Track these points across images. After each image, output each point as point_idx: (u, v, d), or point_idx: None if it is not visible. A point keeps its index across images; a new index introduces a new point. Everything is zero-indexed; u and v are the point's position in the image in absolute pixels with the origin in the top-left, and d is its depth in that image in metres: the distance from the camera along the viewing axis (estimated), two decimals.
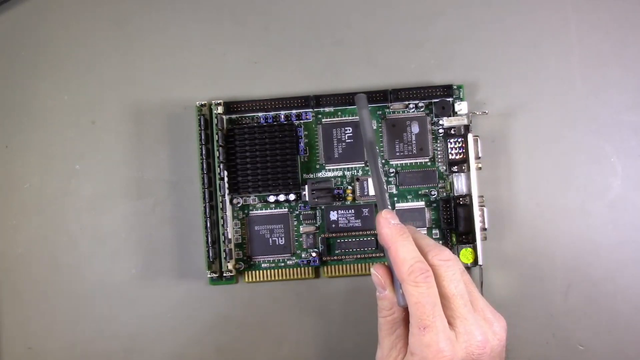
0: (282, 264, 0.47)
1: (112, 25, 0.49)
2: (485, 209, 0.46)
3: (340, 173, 0.48)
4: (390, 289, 0.38)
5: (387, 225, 0.38)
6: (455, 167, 0.47)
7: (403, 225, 0.38)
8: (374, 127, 0.47)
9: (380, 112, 0.48)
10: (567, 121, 0.47)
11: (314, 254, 0.47)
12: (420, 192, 0.47)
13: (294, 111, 0.48)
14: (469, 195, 0.46)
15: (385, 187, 0.42)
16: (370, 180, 0.47)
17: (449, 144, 0.46)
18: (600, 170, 0.47)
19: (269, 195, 0.47)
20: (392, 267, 0.38)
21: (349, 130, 0.47)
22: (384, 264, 0.39)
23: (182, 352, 0.48)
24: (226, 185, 0.46)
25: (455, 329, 0.36)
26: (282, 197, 0.47)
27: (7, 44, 0.50)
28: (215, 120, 0.46)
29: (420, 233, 0.40)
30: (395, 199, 0.47)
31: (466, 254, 0.46)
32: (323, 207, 0.47)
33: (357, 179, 0.47)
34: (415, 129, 0.47)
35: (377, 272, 0.38)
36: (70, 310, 0.48)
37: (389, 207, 0.40)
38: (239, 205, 0.48)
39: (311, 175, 0.48)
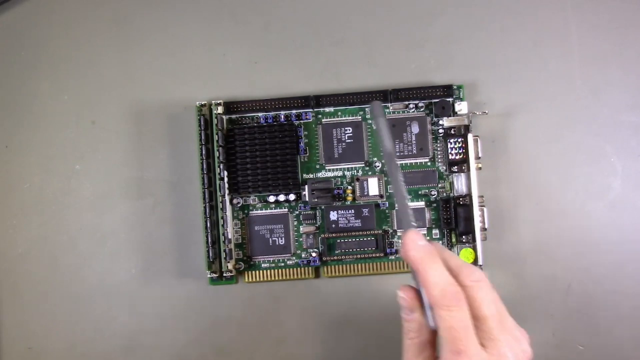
0: (282, 264, 0.47)
1: (112, 26, 0.49)
2: (485, 209, 0.46)
3: (340, 173, 0.48)
4: (419, 312, 0.37)
5: (415, 247, 0.37)
6: (455, 167, 0.47)
7: (431, 245, 0.37)
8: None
9: None
10: (567, 121, 0.47)
11: (314, 254, 0.47)
12: (420, 192, 0.47)
13: (294, 111, 0.48)
14: (469, 195, 0.46)
15: (409, 202, 0.40)
16: (370, 180, 0.47)
17: (449, 144, 0.46)
18: (600, 170, 0.47)
19: (269, 195, 0.47)
20: (420, 289, 0.37)
21: (349, 130, 0.47)
22: (410, 286, 0.38)
23: (182, 352, 0.48)
24: (226, 185, 0.46)
25: (487, 351, 0.35)
26: (282, 197, 0.47)
27: (7, 44, 0.50)
28: (215, 120, 0.46)
29: (448, 251, 0.38)
30: (396, 199, 0.47)
31: (466, 254, 0.46)
32: (323, 207, 0.47)
33: (357, 179, 0.47)
34: (415, 129, 0.47)
35: (404, 295, 0.37)
36: (70, 310, 0.48)
37: (414, 224, 0.38)
38: (239, 205, 0.48)
39: (311, 175, 0.48)
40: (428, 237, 0.47)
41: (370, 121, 0.48)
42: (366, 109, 0.48)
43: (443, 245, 0.39)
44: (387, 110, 0.47)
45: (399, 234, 0.47)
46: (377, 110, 0.40)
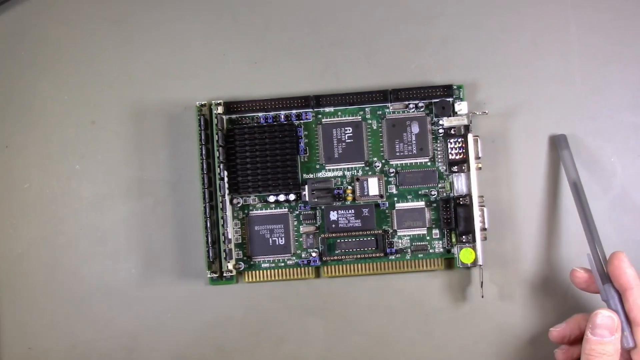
0: (282, 264, 0.47)
1: (112, 25, 0.49)
2: (485, 209, 0.46)
3: (340, 173, 0.48)
4: (620, 334, 0.39)
5: (629, 266, 0.39)
6: (455, 167, 0.47)
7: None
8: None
9: (380, 112, 0.48)
10: (567, 121, 0.47)
11: (314, 254, 0.47)
12: (420, 192, 0.47)
13: (294, 111, 0.48)
14: (469, 195, 0.46)
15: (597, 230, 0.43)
16: (370, 180, 0.47)
17: (449, 144, 0.46)
18: (600, 170, 0.47)
19: (269, 195, 0.47)
20: (620, 310, 0.39)
21: (349, 130, 0.47)
22: (611, 309, 0.40)
23: (182, 352, 0.48)
24: (226, 185, 0.46)
25: None
26: (282, 197, 0.47)
27: (7, 44, 0.50)
28: (215, 120, 0.46)
29: None
30: (396, 199, 0.47)
31: (466, 254, 0.46)
32: (323, 207, 0.47)
33: (357, 179, 0.47)
34: (415, 129, 0.47)
35: (613, 315, 0.39)
36: (70, 310, 0.48)
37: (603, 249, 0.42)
38: (239, 205, 0.48)
39: (311, 175, 0.48)
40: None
41: (370, 121, 0.48)
42: (366, 109, 0.48)
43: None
44: (387, 110, 0.47)
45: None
46: (563, 143, 0.45)
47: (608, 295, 0.40)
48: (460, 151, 0.46)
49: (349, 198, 0.47)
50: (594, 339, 0.39)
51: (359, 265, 0.47)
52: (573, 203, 0.46)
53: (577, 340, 0.42)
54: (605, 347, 0.38)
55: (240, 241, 0.48)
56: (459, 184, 0.47)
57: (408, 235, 0.47)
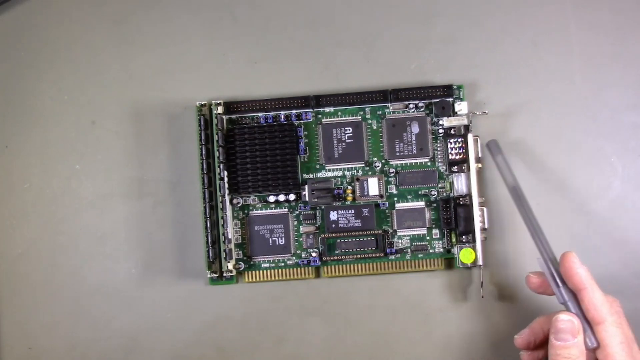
0: (282, 264, 0.47)
1: (112, 26, 0.49)
2: (485, 209, 0.46)
3: (340, 173, 0.48)
4: (582, 336, 0.38)
5: (580, 266, 0.39)
6: (455, 167, 0.47)
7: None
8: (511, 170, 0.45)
9: (380, 112, 0.48)
10: (567, 121, 0.47)
11: (314, 254, 0.47)
12: (420, 192, 0.47)
13: (294, 111, 0.48)
14: (469, 195, 0.46)
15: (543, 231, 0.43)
16: (370, 180, 0.47)
17: (449, 144, 0.46)
18: (600, 170, 0.47)
19: (269, 195, 0.47)
20: (578, 312, 0.39)
21: (349, 130, 0.47)
22: (571, 312, 0.39)
23: (182, 352, 0.48)
24: (226, 185, 0.46)
25: None
26: (282, 197, 0.47)
27: (7, 44, 0.50)
28: (215, 121, 0.46)
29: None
30: (396, 199, 0.47)
31: (466, 254, 0.46)
32: (323, 207, 0.47)
33: (357, 179, 0.47)
34: (415, 129, 0.47)
35: (573, 318, 0.39)
36: (70, 310, 0.48)
37: (553, 251, 0.41)
38: (239, 205, 0.48)
39: (311, 175, 0.48)
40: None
41: (370, 121, 0.48)
42: (366, 109, 0.48)
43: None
44: (387, 110, 0.47)
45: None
46: (494, 149, 0.44)
47: (564, 297, 0.40)
48: (460, 151, 0.46)
49: (349, 198, 0.47)
50: (558, 344, 0.38)
51: (359, 265, 0.47)
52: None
53: (543, 343, 0.42)
54: (570, 351, 0.38)
55: (240, 241, 0.48)
56: (459, 184, 0.47)
57: (408, 235, 0.47)
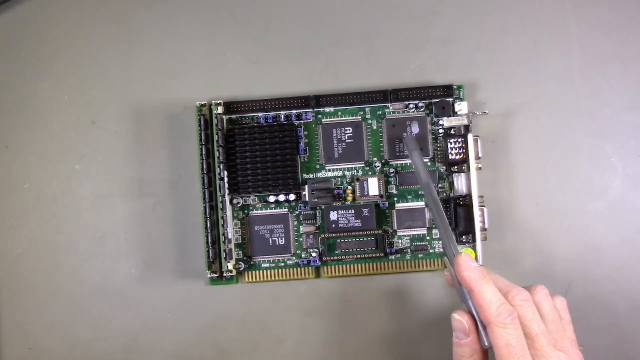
0: (282, 264, 0.47)
1: (112, 25, 0.49)
2: (485, 209, 0.46)
3: (340, 173, 0.48)
4: (474, 335, 0.39)
5: (468, 267, 0.39)
6: (455, 167, 0.47)
7: (483, 267, 0.39)
8: (425, 163, 0.45)
9: (380, 112, 0.48)
10: (567, 121, 0.47)
11: (314, 254, 0.47)
12: (420, 192, 0.47)
13: (294, 111, 0.48)
14: (469, 195, 0.46)
15: (451, 229, 0.42)
16: (370, 180, 0.47)
17: (449, 144, 0.46)
18: (600, 170, 0.47)
19: (269, 195, 0.47)
20: (473, 311, 0.39)
21: (349, 130, 0.47)
22: (465, 310, 0.39)
23: (182, 352, 0.48)
24: (226, 185, 0.46)
25: None
26: (282, 197, 0.47)
27: (7, 44, 0.50)
28: (215, 120, 0.46)
29: (495, 274, 0.40)
30: (396, 199, 0.47)
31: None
32: (323, 207, 0.47)
33: (357, 179, 0.47)
34: (415, 129, 0.47)
35: (462, 318, 0.39)
36: (70, 310, 0.48)
37: (459, 250, 0.41)
38: (239, 205, 0.48)
39: (311, 175, 0.48)
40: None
41: (370, 121, 0.48)
42: (366, 109, 0.48)
43: (493, 270, 0.41)
44: (387, 110, 0.47)
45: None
46: (411, 144, 0.44)
47: (461, 297, 0.40)
48: (460, 151, 0.46)
49: (349, 198, 0.47)
50: (454, 341, 0.39)
51: (359, 265, 0.47)
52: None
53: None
54: (463, 349, 0.39)
55: (240, 241, 0.48)
56: (459, 184, 0.47)
57: (408, 235, 0.47)
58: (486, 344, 0.38)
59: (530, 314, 0.38)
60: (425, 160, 0.47)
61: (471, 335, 0.38)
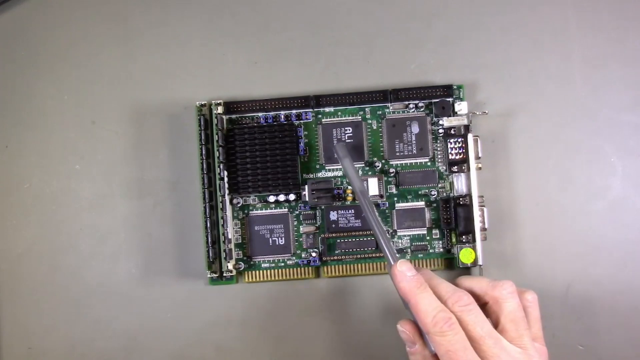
0: (282, 264, 0.47)
1: (112, 25, 0.49)
2: (485, 209, 0.46)
3: (340, 173, 0.48)
4: (420, 342, 0.39)
5: (404, 278, 0.39)
6: (455, 167, 0.47)
7: (419, 274, 0.39)
8: (358, 170, 0.45)
9: (380, 112, 0.48)
10: (567, 121, 0.47)
11: (314, 254, 0.47)
12: (420, 192, 0.47)
13: (294, 111, 0.48)
14: (469, 195, 0.46)
15: (388, 236, 0.42)
16: (370, 180, 0.47)
17: (449, 144, 0.46)
18: (600, 170, 0.47)
19: (269, 195, 0.47)
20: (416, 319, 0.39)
21: (349, 130, 0.47)
22: (409, 320, 0.40)
23: (182, 352, 0.48)
24: (226, 185, 0.46)
25: None
26: (282, 197, 0.47)
27: (7, 44, 0.50)
28: (215, 120, 0.46)
29: (437, 278, 0.40)
30: (396, 199, 0.47)
31: (466, 254, 0.46)
32: (323, 207, 0.47)
33: None
34: (415, 129, 0.47)
35: (404, 329, 0.39)
36: (70, 310, 0.48)
37: (397, 256, 0.40)
38: (239, 205, 0.48)
39: (311, 175, 0.48)
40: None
41: (370, 121, 0.48)
42: (366, 109, 0.48)
43: (432, 272, 0.41)
44: (388, 110, 0.47)
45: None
46: (341, 151, 0.44)
47: (405, 305, 0.40)
48: (460, 151, 0.46)
49: (349, 198, 0.47)
50: (407, 349, 0.40)
51: (359, 265, 0.47)
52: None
53: None
54: (415, 357, 0.39)
55: (240, 241, 0.48)
56: (459, 184, 0.47)
57: (408, 235, 0.47)
58: (433, 349, 0.38)
59: (472, 317, 0.38)
60: (357, 167, 0.46)
61: (418, 343, 0.39)
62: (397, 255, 0.41)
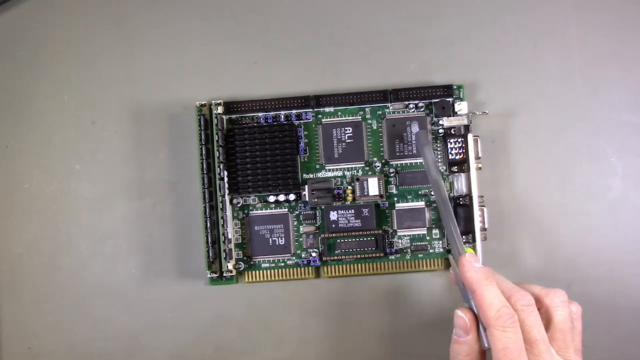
0: (282, 264, 0.47)
1: (112, 25, 0.49)
2: (485, 209, 0.46)
3: (340, 173, 0.48)
4: (473, 334, 0.38)
5: (472, 268, 0.39)
6: (455, 167, 0.47)
7: (487, 268, 0.39)
8: (435, 159, 0.45)
9: (380, 112, 0.48)
10: (567, 121, 0.47)
11: (314, 254, 0.47)
12: (420, 192, 0.47)
13: (294, 111, 0.48)
14: (469, 195, 0.46)
15: (459, 229, 0.42)
16: (370, 180, 0.47)
17: (449, 144, 0.46)
18: (600, 170, 0.47)
19: (269, 195, 0.47)
20: (476, 311, 0.38)
21: (349, 130, 0.47)
22: (469, 308, 0.39)
23: (182, 352, 0.48)
24: (226, 185, 0.46)
25: None
26: (282, 197, 0.47)
27: (7, 44, 0.50)
28: (215, 120, 0.46)
29: (500, 276, 0.40)
30: (396, 199, 0.47)
31: None
32: (323, 207, 0.47)
33: (357, 179, 0.47)
34: (415, 129, 0.47)
35: (464, 315, 0.38)
36: (70, 311, 0.48)
37: (464, 250, 0.40)
38: (239, 205, 0.48)
39: (311, 175, 0.48)
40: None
41: (370, 121, 0.48)
42: (366, 109, 0.48)
43: (494, 270, 0.41)
44: (387, 110, 0.47)
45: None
46: (423, 139, 0.44)
47: (464, 296, 0.40)
48: (460, 151, 0.46)
49: (349, 198, 0.47)
50: (453, 338, 0.39)
51: (359, 265, 0.47)
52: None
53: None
54: (460, 347, 0.38)
55: (240, 241, 0.48)
56: (459, 184, 0.47)
57: (408, 235, 0.47)
58: (485, 345, 0.38)
59: (532, 319, 0.37)
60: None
61: (471, 334, 0.38)
62: (465, 250, 0.40)
